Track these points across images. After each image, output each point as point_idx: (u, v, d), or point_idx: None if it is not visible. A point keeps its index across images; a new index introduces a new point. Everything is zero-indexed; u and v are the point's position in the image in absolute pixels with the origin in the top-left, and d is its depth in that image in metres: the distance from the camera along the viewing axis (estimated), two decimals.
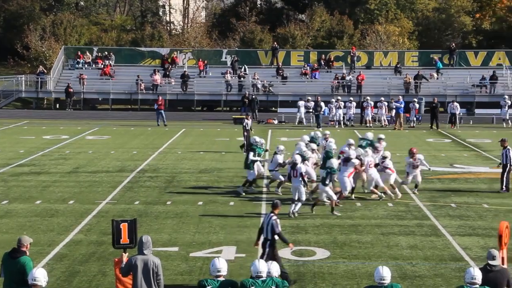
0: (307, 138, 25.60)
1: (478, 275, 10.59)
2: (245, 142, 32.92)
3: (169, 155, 32.73)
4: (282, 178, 23.57)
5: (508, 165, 24.09)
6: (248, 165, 23.91)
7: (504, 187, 24.14)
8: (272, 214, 14.80)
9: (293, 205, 20.64)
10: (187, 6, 72.28)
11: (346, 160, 22.01)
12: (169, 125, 44.37)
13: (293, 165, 21.09)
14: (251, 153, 23.99)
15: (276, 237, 14.65)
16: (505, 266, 12.22)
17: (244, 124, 34.08)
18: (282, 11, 70.38)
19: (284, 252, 17.01)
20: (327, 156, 22.70)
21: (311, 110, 45.81)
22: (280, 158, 23.65)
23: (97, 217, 20.58)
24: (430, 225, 19.78)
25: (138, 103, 52.60)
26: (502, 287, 11.37)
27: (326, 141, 25.08)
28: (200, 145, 36.22)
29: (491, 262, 11.40)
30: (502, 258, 12.35)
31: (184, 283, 14.97)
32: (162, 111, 45.09)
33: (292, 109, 47.51)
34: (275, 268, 10.99)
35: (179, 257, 16.67)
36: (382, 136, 26.45)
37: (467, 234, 18.81)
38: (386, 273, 10.62)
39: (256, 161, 23.99)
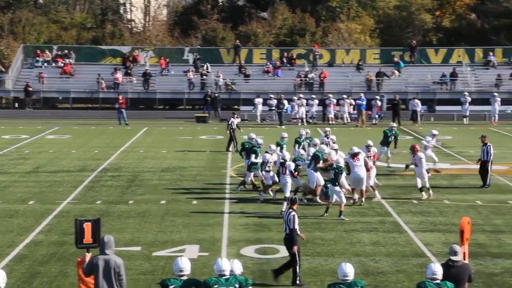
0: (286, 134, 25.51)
1: (438, 270, 10.69)
2: (234, 142, 32.38)
3: (131, 154, 32.50)
4: (270, 182, 22.54)
5: (489, 161, 24.32)
6: (249, 167, 23.15)
7: (486, 183, 24.35)
8: (291, 210, 14.84)
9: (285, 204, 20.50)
10: (148, 4, 71.83)
11: (355, 156, 21.64)
12: (131, 124, 44.07)
13: (283, 162, 21.13)
14: (253, 156, 23.10)
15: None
16: (466, 261, 12.31)
17: (230, 122, 33.03)
18: (244, 9, 70.29)
19: (248, 250, 17.00)
20: (315, 157, 21.82)
21: (273, 108, 45.79)
22: (267, 156, 22.41)
23: (58, 217, 20.34)
24: (392, 222, 19.88)
25: (99, 102, 52.15)
26: (464, 282, 11.48)
27: (327, 138, 24.93)
28: (163, 143, 36.02)
29: (453, 258, 11.48)
30: (464, 254, 12.43)
31: (147, 283, 14.85)
32: (123, 110, 44.79)
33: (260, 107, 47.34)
34: (237, 266, 10.94)
35: (142, 257, 16.54)
36: (436, 132, 26.80)
37: (428, 230, 18.94)
38: (349, 269, 10.66)
39: (256, 163, 22.99)
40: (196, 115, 47.60)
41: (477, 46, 56.48)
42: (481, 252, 16.82)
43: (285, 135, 25.60)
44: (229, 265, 10.76)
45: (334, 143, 24.49)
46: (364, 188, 21.67)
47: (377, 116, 45.92)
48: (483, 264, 15.96)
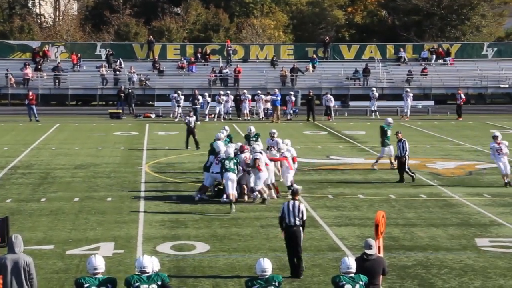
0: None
1: (352, 264, 10.86)
2: (191, 141, 31.79)
3: (43, 151, 31.78)
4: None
5: (406, 156, 24.63)
6: (207, 167, 21.92)
7: (411, 176, 24.66)
8: (297, 202, 14.87)
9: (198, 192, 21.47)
10: None
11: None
12: (42, 120, 43.11)
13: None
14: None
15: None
16: (381, 255, 12.47)
17: (186, 121, 32.44)
18: (157, 4, 69.76)
19: (164, 247, 16.83)
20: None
21: (180, 104, 45.34)
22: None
23: None
24: (308, 217, 19.84)
25: (8, 98, 50.87)
26: (378, 275, 11.65)
27: (272, 140, 24.63)
28: (75, 140, 35.36)
29: (367, 251, 11.63)
30: (379, 247, 12.60)
31: (60, 282, 14.51)
32: (33, 106, 43.80)
33: (170, 103, 46.97)
34: (155, 263, 10.83)
35: (55, 255, 16.17)
36: (497, 133, 24.71)
37: (343, 225, 19.13)
38: (267, 265, 10.66)
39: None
40: (109, 111, 46.94)
41: (389, 42, 57.64)
42: (394, 245, 17.09)
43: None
44: (151, 263, 10.64)
45: (283, 142, 24.43)
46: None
47: (291, 111, 46.27)
48: (397, 257, 16.22)
